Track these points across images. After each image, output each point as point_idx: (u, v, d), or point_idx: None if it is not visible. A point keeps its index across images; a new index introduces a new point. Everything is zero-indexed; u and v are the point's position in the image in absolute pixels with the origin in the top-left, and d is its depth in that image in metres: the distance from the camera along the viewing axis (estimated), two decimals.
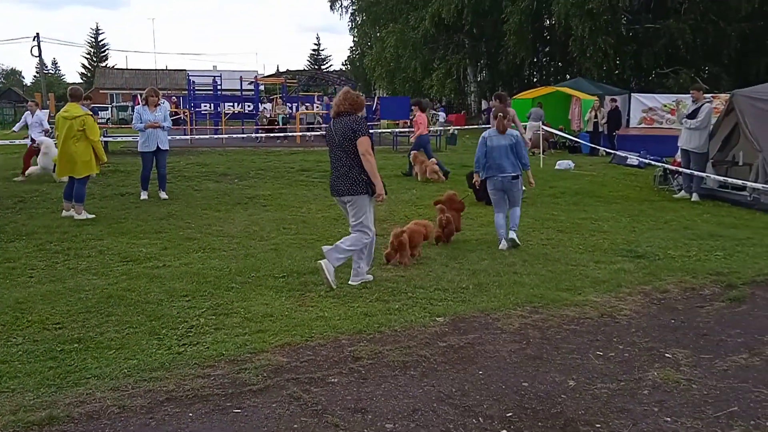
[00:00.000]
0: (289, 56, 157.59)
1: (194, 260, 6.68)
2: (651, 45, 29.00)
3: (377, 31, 42.59)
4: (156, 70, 66.25)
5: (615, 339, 4.55)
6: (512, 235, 7.21)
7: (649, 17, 30.07)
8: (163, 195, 10.69)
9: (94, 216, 8.97)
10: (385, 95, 40.94)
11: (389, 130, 23.87)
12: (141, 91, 37.88)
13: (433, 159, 13.62)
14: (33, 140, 13.54)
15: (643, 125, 21.40)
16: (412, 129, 16.39)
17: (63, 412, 3.29)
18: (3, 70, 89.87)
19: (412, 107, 17.20)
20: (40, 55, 45.35)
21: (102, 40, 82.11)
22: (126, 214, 9.24)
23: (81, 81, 74.27)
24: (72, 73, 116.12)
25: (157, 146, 10.53)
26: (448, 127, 25.96)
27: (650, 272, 6.23)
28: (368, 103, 28.55)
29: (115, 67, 72.83)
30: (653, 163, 13.42)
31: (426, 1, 35.24)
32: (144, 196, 10.65)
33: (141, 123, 10.46)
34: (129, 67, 69.86)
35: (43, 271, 6.29)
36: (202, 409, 3.39)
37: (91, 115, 9.44)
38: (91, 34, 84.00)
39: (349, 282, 5.79)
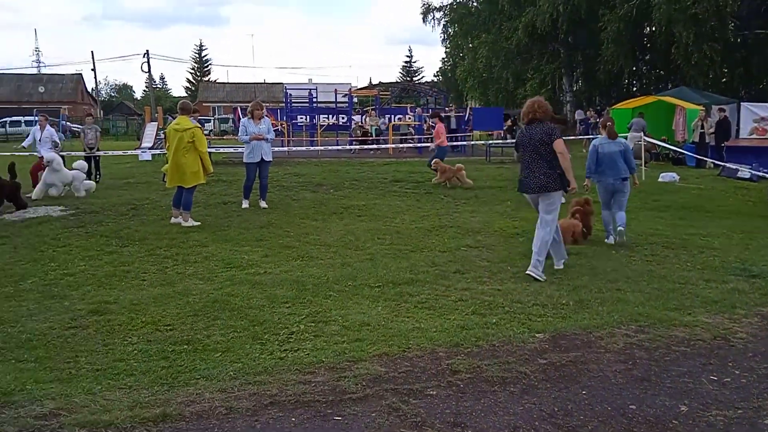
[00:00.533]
0: (381, 69, 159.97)
1: (293, 268, 6.85)
2: (762, 52, 27.28)
3: (469, 41, 42.39)
4: (255, 83, 68.91)
5: (730, 363, 4.28)
6: (620, 227, 7.81)
7: (759, 23, 28.33)
8: (263, 204, 11.03)
9: (199, 223, 9.40)
10: (477, 106, 40.68)
11: (482, 141, 23.67)
12: (241, 104, 39.48)
13: (459, 165, 14.29)
14: (41, 156, 13.37)
15: (754, 136, 20.13)
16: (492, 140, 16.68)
17: (175, 411, 3.46)
18: (116, 84, 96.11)
19: (433, 118, 17.98)
20: (149, 71, 48.32)
21: (205, 56, 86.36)
22: (229, 222, 9.63)
23: (186, 95, 78.33)
24: (178, 87, 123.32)
25: (261, 157, 10.86)
26: None
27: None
28: (460, 114, 28.45)
29: (217, 81, 76.43)
30: (767, 176, 12.60)
31: (519, 11, 34.77)
32: (245, 204, 11.02)
33: (246, 135, 10.81)
34: (230, 81, 73.13)
35: (155, 275, 6.64)
36: (304, 414, 3.47)
37: (200, 127, 9.92)
38: (195, 51, 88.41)
39: (528, 271, 6.29)
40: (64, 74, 66.84)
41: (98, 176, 15.77)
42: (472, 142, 23.84)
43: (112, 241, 8.36)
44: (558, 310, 5.34)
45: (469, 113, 27.43)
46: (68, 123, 42.72)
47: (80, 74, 67.22)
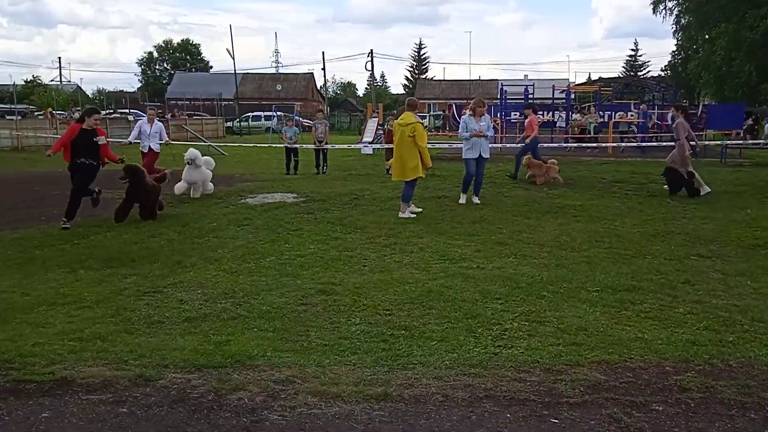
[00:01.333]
0: (601, 63, 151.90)
1: (506, 265, 6.82)
2: None
3: (705, 32, 38.56)
4: (470, 80, 69.55)
5: None
6: None
7: None
8: (476, 200, 11.11)
9: (417, 213, 9.78)
10: (711, 102, 36.96)
11: (717, 142, 21.47)
12: (455, 101, 40.01)
13: (553, 160, 13.83)
14: (151, 149, 13.34)
15: None
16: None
17: (395, 392, 3.64)
18: (341, 82, 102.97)
19: (525, 111, 16.67)
20: (372, 69, 51.05)
21: (424, 54, 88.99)
22: (442, 216, 9.85)
23: (404, 92, 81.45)
24: (396, 85, 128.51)
25: (480, 154, 11.02)
26: None
27: None
28: (692, 111, 26.06)
29: (434, 78, 78.42)
30: None
31: None
32: (462, 200, 11.16)
33: (467, 132, 11.05)
34: (446, 79, 74.66)
35: (374, 261, 7.03)
36: (519, 412, 3.44)
37: (422, 123, 10.26)
38: (414, 49, 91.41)
39: None
40: (298, 73, 73.40)
41: (325, 168, 17.05)
42: (705, 142, 21.72)
43: (337, 227, 9.00)
44: None
45: (702, 110, 25.02)
46: (300, 118, 46.71)
47: (311, 73, 73.28)
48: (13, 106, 43.64)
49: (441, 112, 41.89)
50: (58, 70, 67.19)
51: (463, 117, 11.71)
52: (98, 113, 9.75)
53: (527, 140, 14.73)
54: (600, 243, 7.91)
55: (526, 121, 15.41)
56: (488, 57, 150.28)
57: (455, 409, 3.46)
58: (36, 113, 42.69)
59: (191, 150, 12.10)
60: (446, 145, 20.66)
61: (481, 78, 70.82)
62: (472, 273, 6.44)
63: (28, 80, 64.37)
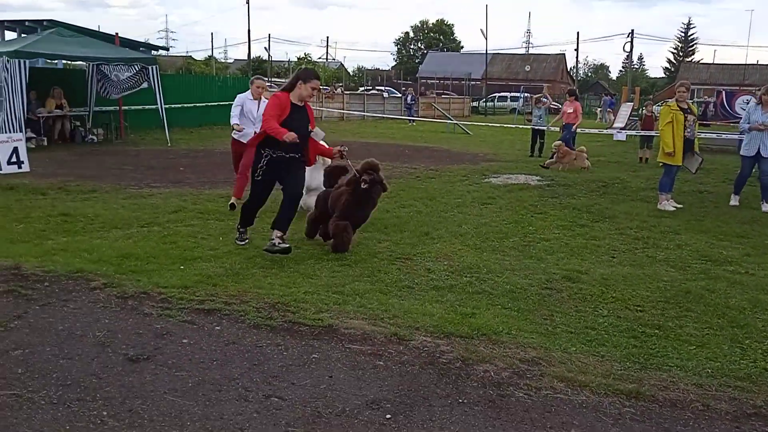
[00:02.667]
0: None
1: None
2: None
3: None
4: (745, 65, 61.76)
5: None
6: None
7: None
8: (765, 207, 9.28)
9: (676, 208, 9.06)
10: None
11: None
12: (725, 87, 35.83)
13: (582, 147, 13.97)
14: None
15: None
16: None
17: (648, 392, 3.45)
18: (593, 64, 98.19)
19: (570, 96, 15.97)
20: (630, 51, 47.82)
21: (692, 35, 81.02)
22: (704, 213, 8.99)
23: (663, 76, 75.16)
24: (656, 67, 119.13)
25: (758, 151, 9.26)
26: None
27: None
28: None
29: (701, 61, 71.00)
30: None
31: None
32: (734, 201, 9.69)
33: (747, 123, 9.43)
34: (715, 62, 67.15)
35: (624, 254, 6.67)
36: None
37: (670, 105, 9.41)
38: (681, 29, 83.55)
39: None
40: (549, 54, 71.50)
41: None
42: None
43: (583, 215, 8.69)
44: None
45: None
46: (548, 97, 45.56)
47: (563, 54, 70.93)
48: (287, 80, 48.89)
49: (711, 99, 37.91)
50: (325, 48, 73.67)
51: (749, 106, 10.09)
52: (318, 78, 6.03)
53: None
54: None
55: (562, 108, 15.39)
56: None
57: (718, 421, 3.18)
58: None
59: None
60: (714, 135, 18.64)
61: (759, 63, 62.46)
62: (739, 278, 5.81)
63: (300, 57, 71.50)
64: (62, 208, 7.97)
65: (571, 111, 15.27)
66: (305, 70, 6.23)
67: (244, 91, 8.62)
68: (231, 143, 8.69)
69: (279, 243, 5.80)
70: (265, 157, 5.88)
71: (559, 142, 14.33)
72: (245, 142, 7.76)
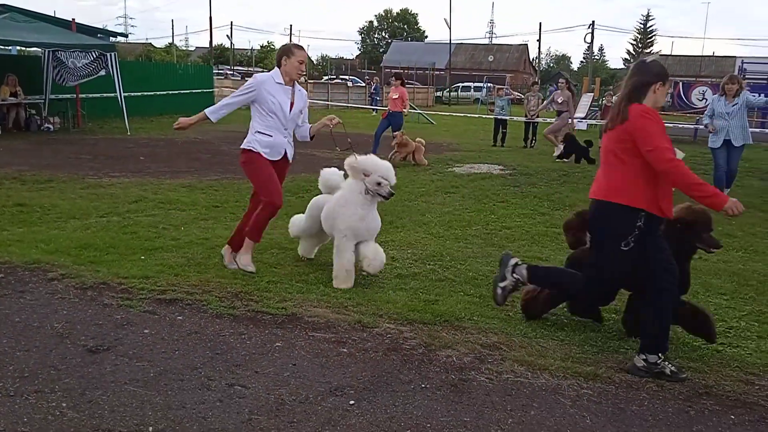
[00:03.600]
0: None
1: (733, 259, 6.24)
2: None
3: None
4: (701, 56, 63.24)
5: None
6: None
7: None
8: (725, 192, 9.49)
9: None
10: None
11: None
12: (682, 78, 36.60)
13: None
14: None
15: None
16: None
17: (605, 374, 3.55)
18: (555, 55, 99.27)
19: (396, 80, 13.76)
20: (591, 42, 48.43)
21: (650, 26, 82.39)
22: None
23: (623, 67, 76.41)
24: (616, 59, 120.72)
25: (727, 141, 9.18)
26: None
27: None
28: None
29: (660, 53, 72.35)
30: None
31: None
32: None
33: (710, 116, 9.41)
34: (672, 54, 68.57)
35: None
36: (744, 415, 3.18)
37: None
38: (640, 21, 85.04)
39: None
40: (511, 45, 72.09)
41: (533, 141, 16.74)
42: None
43: (544, 203, 8.83)
44: None
45: None
46: (510, 89, 45.96)
47: (526, 45, 71.59)
48: (249, 69, 48.35)
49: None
50: (289, 37, 72.89)
51: (713, 98, 9.96)
52: None
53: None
54: None
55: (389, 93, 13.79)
56: (727, 31, 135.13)
57: (671, 401, 3.29)
58: None
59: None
60: (668, 125, 19.05)
61: (716, 54, 64.04)
62: (693, 264, 5.92)
63: (263, 45, 70.69)
64: (17, 198, 7.77)
65: (396, 97, 13.16)
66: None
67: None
68: (246, 158, 5.16)
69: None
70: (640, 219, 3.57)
71: (398, 132, 12.79)
72: (276, 159, 5.16)
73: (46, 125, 16.36)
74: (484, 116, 25.81)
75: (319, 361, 3.61)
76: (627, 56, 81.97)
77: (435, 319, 4.28)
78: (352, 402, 3.16)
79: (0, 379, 3.24)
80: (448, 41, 57.59)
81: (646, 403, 3.26)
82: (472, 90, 49.05)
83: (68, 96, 17.36)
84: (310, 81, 37.70)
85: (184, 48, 74.09)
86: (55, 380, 3.26)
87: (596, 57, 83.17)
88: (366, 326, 4.11)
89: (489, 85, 43.96)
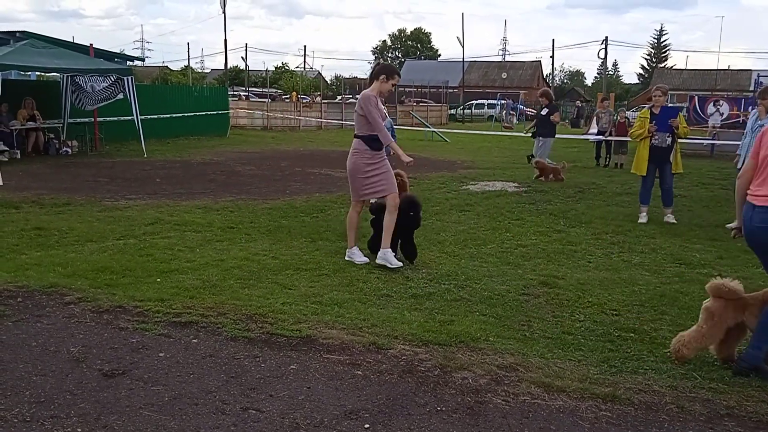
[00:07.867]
0: None
1: (754, 275, 6.11)
2: None
3: None
4: (717, 70, 62.89)
5: None
6: None
7: None
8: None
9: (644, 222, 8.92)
10: None
11: None
12: (698, 92, 36.43)
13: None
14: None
15: None
16: None
17: (624, 395, 3.48)
18: (569, 71, 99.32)
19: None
20: (604, 57, 48.47)
21: (664, 41, 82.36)
22: (678, 216, 9.09)
23: (637, 82, 76.26)
24: (629, 74, 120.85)
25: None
26: None
27: None
28: None
29: (674, 67, 72.21)
30: None
31: None
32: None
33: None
34: (688, 68, 68.34)
35: (600, 258, 6.74)
36: None
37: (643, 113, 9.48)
38: (653, 36, 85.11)
39: None
40: (524, 61, 72.33)
41: (608, 159, 16.83)
42: None
43: (559, 220, 8.78)
44: None
45: None
46: (523, 107, 46.02)
47: (539, 61, 71.81)
48: (264, 90, 48.79)
49: (684, 105, 38.56)
50: (303, 57, 73.71)
51: (752, 112, 9.63)
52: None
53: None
54: None
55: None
56: (742, 45, 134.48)
57: (692, 422, 3.22)
58: (283, 97, 47.33)
59: None
60: (684, 140, 18.89)
61: (731, 68, 63.66)
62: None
63: (278, 66, 71.39)
64: (36, 221, 7.86)
65: None
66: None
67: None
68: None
69: None
70: None
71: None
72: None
73: (65, 149, 16.58)
74: (498, 133, 25.81)
75: (333, 384, 3.59)
76: (641, 71, 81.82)
77: (450, 340, 4.24)
78: (367, 426, 3.13)
79: (17, 405, 3.25)
80: (461, 59, 57.80)
81: (666, 425, 3.19)
82: (486, 107, 49.06)
83: (86, 120, 17.61)
84: (324, 101, 37.98)
85: (200, 70, 75.14)
86: (71, 405, 3.27)
87: (610, 72, 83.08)
88: (381, 348, 4.09)
89: (503, 101, 43.99)
